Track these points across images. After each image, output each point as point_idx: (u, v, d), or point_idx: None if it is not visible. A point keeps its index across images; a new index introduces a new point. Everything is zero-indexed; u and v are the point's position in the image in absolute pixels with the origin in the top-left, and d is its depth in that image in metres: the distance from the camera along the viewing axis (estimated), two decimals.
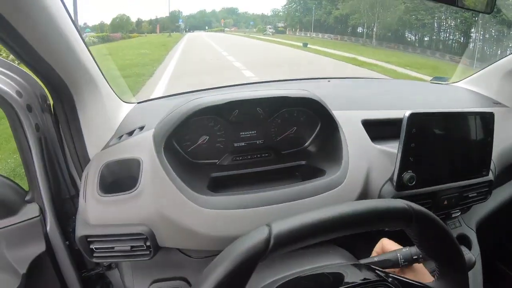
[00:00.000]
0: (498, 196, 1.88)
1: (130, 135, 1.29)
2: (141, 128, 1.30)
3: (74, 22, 1.07)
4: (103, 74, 1.34)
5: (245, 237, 0.62)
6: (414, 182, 1.23)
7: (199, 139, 1.32)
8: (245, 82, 1.86)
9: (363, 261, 0.91)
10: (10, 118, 1.16)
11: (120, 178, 1.15)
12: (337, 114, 1.36)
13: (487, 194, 1.48)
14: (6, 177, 1.27)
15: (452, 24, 37.05)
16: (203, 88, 1.77)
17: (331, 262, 0.94)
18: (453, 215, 1.48)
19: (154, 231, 1.06)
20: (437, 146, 1.28)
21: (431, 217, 0.73)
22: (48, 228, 1.24)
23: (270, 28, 70.33)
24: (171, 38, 47.84)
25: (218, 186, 1.25)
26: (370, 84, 2.30)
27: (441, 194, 1.33)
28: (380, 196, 1.26)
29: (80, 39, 1.13)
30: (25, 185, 1.29)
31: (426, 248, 0.78)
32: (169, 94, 1.82)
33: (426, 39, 40.12)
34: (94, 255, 1.08)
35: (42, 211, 1.24)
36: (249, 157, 1.36)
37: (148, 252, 1.09)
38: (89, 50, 1.20)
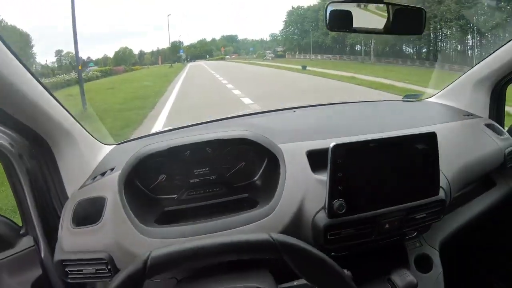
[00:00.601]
0: (468, 212, 1.86)
1: (102, 175, 1.48)
2: (112, 169, 1.48)
3: (40, 82, 1.26)
4: (80, 124, 1.55)
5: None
6: (344, 210, 1.25)
7: (158, 177, 1.51)
8: (214, 119, 2.00)
9: (283, 285, 1.05)
10: (5, 166, 1.36)
11: (91, 213, 1.34)
12: (284, 147, 1.50)
13: (439, 214, 1.46)
14: (2, 215, 1.46)
15: (448, 33, 37.05)
16: (177, 127, 1.94)
17: (247, 284, 0.98)
18: (407, 236, 1.52)
19: (113, 257, 1.25)
20: (369, 173, 1.31)
21: (299, 247, 0.86)
22: (42, 255, 1.42)
23: (269, 53, 70.46)
24: (172, 69, 47.97)
25: (174, 218, 1.41)
26: (340, 109, 2.40)
27: (381, 218, 1.34)
28: (313, 224, 1.31)
29: (51, 96, 1.32)
30: (18, 221, 1.49)
31: (307, 276, 0.89)
32: (164, 128, 2.04)
33: (423, 50, 40.10)
34: (68, 276, 1.28)
35: (36, 241, 1.44)
36: (201, 191, 1.53)
37: (110, 274, 1.27)
38: (62, 106, 1.41)
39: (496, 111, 2.17)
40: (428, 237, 1.69)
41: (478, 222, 1.88)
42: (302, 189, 1.37)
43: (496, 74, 2.03)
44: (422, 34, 1.31)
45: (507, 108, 2.19)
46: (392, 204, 1.35)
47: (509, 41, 1.85)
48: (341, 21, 1.23)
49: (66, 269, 1.28)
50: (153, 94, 17.32)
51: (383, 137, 1.35)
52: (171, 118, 10.66)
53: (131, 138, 1.92)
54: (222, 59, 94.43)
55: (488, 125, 2.00)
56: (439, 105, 2.30)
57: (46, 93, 1.30)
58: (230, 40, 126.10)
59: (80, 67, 18.39)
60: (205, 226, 1.27)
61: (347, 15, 1.21)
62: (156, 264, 0.82)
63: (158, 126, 9.30)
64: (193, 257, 0.84)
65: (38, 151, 1.39)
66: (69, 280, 1.29)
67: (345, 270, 0.93)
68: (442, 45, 38.43)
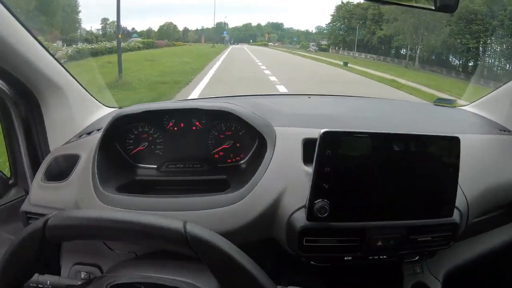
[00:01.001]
0: (486, 243, 1.61)
1: (88, 134, 1.47)
2: (99, 129, 1.43)
3: (39, 40, 1.31)
4: (78, 82, 1.57)
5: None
6: (326, 214, 1.05)
7: (140, 144, 1.44)
8: (228, 95, 1.91)
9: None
10: (2, 115, 1.43)
11: (63, 170, 1.33)
12: (280, 130, 1.35)
13: (449, 240, 1.23)
14: None
15: (498, 49, 36.14)
16: (188, 99, 1.88)
17: (178, 277, 0.91)
18: (406, 259, 1.33)
19: None
20: (364, 173, 1.10)
21: (216, 247, 0.70)
22: None
23: (313, 46, 70.12)
24: (214, 49, 48.60)
25: (140, 188, 1.32)
26: (361, 102, 2.21)
27: (372, 232, 1.14)
28: (288, 223, 1.14)
29: (48, 55, 1.37)
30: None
31: (219, 279, 0.73)
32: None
33: (470, 64, 39.26)
34: None
35: (26, 191, 1.45)
36: (181, 166, 1.43)
37: None
38: (61, 64, 1.46)
39: None
40: (432, 265, 1.51)
41: (497, 256, 1.63)
42: (285, 180, 1.21)
43: None
44: (453, 12, 1.13)
45: None
46: (390, 218, 1.14)
47: None
48: None
49: (30, 222, 1.27)
50: (191, 71, 17.45)
51: (389, 132, 1.10)
52: (203, 95, 10.59)
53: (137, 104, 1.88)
54: (265, 45, 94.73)
55: None
56: (473, 114, 2.00)
57: (44, 51, 1.35)
58: (275, 27, 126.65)
59: (120, 36, 18.67)
60: (165, 202, 1.18)
61: None
62: (54, 226, 0.73)
63: None
64: (92, 229, 0.75)
65: (28, 104, 1.43)
66: None
67: None
68: (490, 61, 37.54)
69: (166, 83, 12.72)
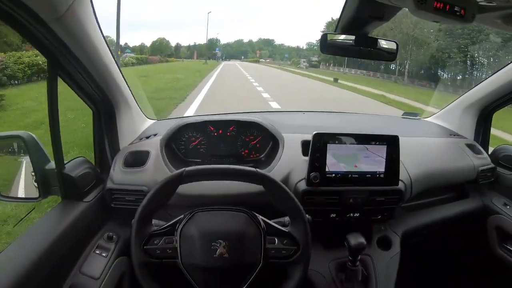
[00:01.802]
0: (436, 213, 2.23)
1: (147, 138, 2.02)
2: (155, 134, 2.02)
3: (115, 58, 1.71)
4: (133, 96, 2.03)
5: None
6: (318, 181, 1.75)
7: (189, 145, 2.04)
8: (238, 112, 2.50)
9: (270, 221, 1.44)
10: (96, 117, 1.84)
11: (137, 160, 1.85)
12: (286, 135, 2.00)
13: (397, 201, 1.87)
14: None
15: (485, 62, 36.42)
16: (207, 114, 2.41)
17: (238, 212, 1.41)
18: (372, 217, 1.91)
19: (150, 190, 1.66)
20: (340, 157, 1.78)
21: (274, 181, 1.37)
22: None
23: (304, 62, 70.05)
24: (206, 66, 48.48)
25: None
26: (342, 116, 2.88)
27: (347, 193, 1.79)
28: (295, 188, 1.80)
29: (119, 70, 1.77)
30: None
31: (278, 204, 1.38)
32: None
33: (459, 78, 39.42)
34: (113, 202, 1.76)
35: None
36: (220, 160, 2.04)
37: None
38: (124, 79, 1.86)
39: (482, 134, 2.52)
40: (393, 225, 2.07)
41: (443, 224, 2.25)
42: (292, 164, 1.87)
43: (482, 101, 2.38)
44: (392, 60, 1.66)
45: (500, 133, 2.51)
46: (357, 185, 1.81)
47: (495, 72, 2.21)
48: (328, 47, 1.62)
49: (113, 196, 1.76)
50: (185, 87, 17.63)
51: (355, 133, 1.79)
52: (199, 111, 10.96)
53: (169, 118, 2.42)
54: (257, 61, 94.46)
55: (469, 145, 2.37)
56: (432, 124, 2.72)
57: (120, 74, 1.78)
58: (266, 43, 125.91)
59: (119, 53, 18.79)
60: None
61: (335, 42, 1.61)
62: (188, 175, 1.35)
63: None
64: (210, 173, 1.40)
65: (110, 113, 1.89)
66: (112, 205, 1.76)
67: (307, 215, 1.39)
68: (478, 74, 37.85)
69: (162, 99, 12.77)
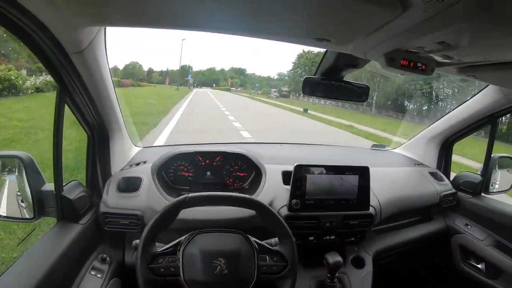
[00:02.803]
0: (404, 235, 2.44)
1: (137, 165, 2.14)
2: (145, 162, 2.15)
3: (115, 92, 1.84)
4: (125, 124, 2.14)
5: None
6: (299, 207, 1.95)
7: (178, 173, 2.16)
8: (220, 142, 2.70)
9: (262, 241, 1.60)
10: (91, 142, 1.92)
11: (130, 186, 1.96)
12: (268, 166, 2.18)
13: (369, 224, 2.09)
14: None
15: (450, 93, 37.14)
16: (191, 143, 2.59)
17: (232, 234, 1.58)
18: (346, 239, 2.11)
19: (144, 215, 1.83)
20: (319, 186, 1.98)
21: (265, 206, 1.54)
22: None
23: (274, 92, 70.44)
24: (178, 92, 48.10)
25: None
26: (317, 148, 3.11)
27: (324, 218, 2.00)
28: (278, 214, 1.79)
29: (117, 100, 1.89)
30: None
31: (269, 226, 1.56)
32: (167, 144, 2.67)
33: (424, 108, 40.00)
34: (107, 225, 1.86)
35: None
36: (207, 187, 2.18)
37: (138, 228, 1.86)
38: (119, 107, 1.97)
39: (444, 163, 2.78)
40: (365, 246, 2.27)
41: (411, 245, 2.45)
42: (274, 193, 2.05)
43: (444, 134, 2.66)
44: (364, 101, 1.88)
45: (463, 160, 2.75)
46: (333, 210, 2.03)
47: (455, 108, 2.48)
48: (310, 88, 1.82)
49: (107, 220, 1.86)
50: (156, 113, 17.52)
51: (331, 164, 1.99)
52: (171, 139, 11.04)
53: (154, 145, 2.55)
54: (228, 90, 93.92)
55: (432, 173, 2.63)
56: (398, 154, 2.99)
57: (117, 103, 1.90)
58: (238, 72, 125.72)
59: None
60: None
61: (316, 85, 1.81)
62: (190, 200, 1.50)
63: (158, 143, 9.55)
64: (211, 199, 1.55)
65: (104, 137, 1.98)
66: (106, 228, 1.86)
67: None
68: (443, 104, 38.55)
69: (134, 124, 12.64)
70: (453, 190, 2.60)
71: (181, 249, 1.47)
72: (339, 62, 1.65)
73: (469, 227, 2.48)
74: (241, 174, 2.24)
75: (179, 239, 1.52)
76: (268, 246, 1.55)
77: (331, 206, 2.02)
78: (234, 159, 2.22)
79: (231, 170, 2.24)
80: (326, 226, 2.02)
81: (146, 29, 1.39)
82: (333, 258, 1.77)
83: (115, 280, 1.78)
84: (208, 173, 2.20)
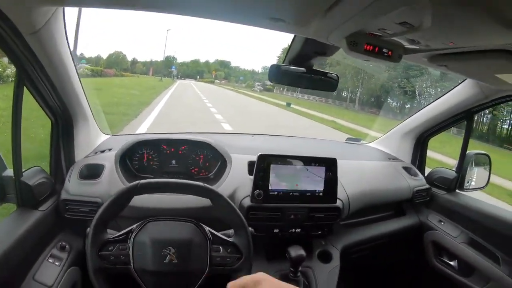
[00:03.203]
0: (375, 230, 2.40)
1: (102, 152, 2.09)
2: (110, 149, 2.10)
3: (77, 71, 1.78)
4: (91, 111, 2.09)
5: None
6: (261, 197, 1.90)
7: (143, 161, 2.11)
8: (191, 132, 2.63)
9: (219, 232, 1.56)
10: (55, 128, 1.87)
11: (92, 173, 1.91)
12: (234, 156, 2.14)
13: (336, 218, 2.05)
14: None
15: (433, 92, 37.55)
16: (161, 133, 2.50)
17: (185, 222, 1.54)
18: (312, 233, 2.07)
19: (103, 202, 1.68)
20: (283, 177, 1.94)
21: (220, 195, 1.49)
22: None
23: (258, 85, 70.42)
24: (161, 83, 47.66)
25: None
26: (290, 140, 3.11)
27: (288, 210, 1.95)
28: (240, 205, 1.92)
29: (80, 84, 1.83)
30: None
31: (223, 216, 1.51)
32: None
33: (407, 106, 40.43)
34: (67, 212, 1.80)
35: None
36: (171, 176, 2.08)
37: None
38: (84, 93, 1.93)
39: (419, 158, 2.75)
40: (333, 240, 2.21)
41: (382, 240, 2.42)
42: (238, 182, 2.01)
43: (419, 129, 2.64)
44: (333, 91, 1.81)
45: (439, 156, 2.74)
46: (297, 203, 1.98)
47: (431, 103, 2.46)
48: (276, 76, 1.70)
49: (67, 207, 1.80)
50: (138, 104, 17.31)
51: (298, 155, 1.95)
52: (152, 130, 10.74)
53: (123, 133, 2.50)
54: (212, 82, 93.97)
55: (406, 168, 2.61)
56: (372, 148, 2.97)
57: (81, 87, 1.85)
58: (223, 65, 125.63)
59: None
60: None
61: (283, 73, 1.71)
62: (142, 187, 1.45)
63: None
64: (163, 186, 1.51)
65: (68, 125, 1.93)
66: (66, 215, 1.80)
67: (250, 228, 1.53)
68: (425, 103, 38.84)
69: (114, 114, 12.32)
70: (427, 186, 2.58)
71: (132, 236, 1.43)
72: (307, 49, 1.57)
73: (443, 223, 2.46)
74: (207, 164, 2.20)
75: (131, 227, 1.47)
76: (222, 236, 1.51)
77: (295, 198, 1.97)
78: (200, 148, 2.17)
79: (197, 159, 2.19)
80: (291, 219, 1.97)
81: (103, 10, 1.33)
82: (296, 251, 1.72)
83: (74, 268, 1.73)
84: (173, 161, 2.15)
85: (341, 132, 16.50)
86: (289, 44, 1.64)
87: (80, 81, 1.83)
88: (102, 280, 1.36)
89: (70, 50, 1.60)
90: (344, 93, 47.07)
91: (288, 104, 33.22)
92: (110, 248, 1.40)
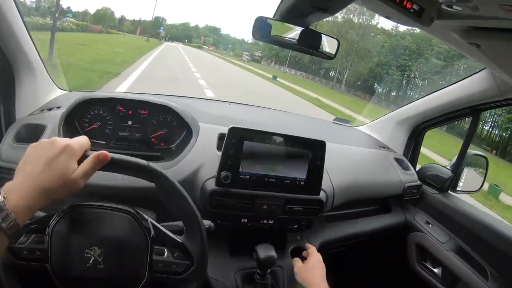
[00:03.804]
0: (357, 226, 2.12)
1: (49, 110, 1.74)
2: (58, 107, 1.75)
3: (23, 18, 1.51)
4: (43, 64, 1.81)
5: None
6: (228, 181, 1.50)
7: (94, 123, 1.72)
8: (163, 94, 2.24)
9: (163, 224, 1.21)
10: None
11: (31, 135, 1.58)
12: (203, 125, 1.78)
13: (317, 212, 1.69)
14: None
15: (420, 84, 38.07)
16: (129, 92, 2.14)
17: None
18: (288, 226, 1.75)
19: None
20: (257, 157, 1.55)
21: (167, 178, 1.10)
22: None
23: (246, 55, 71.02)
24: (148, 43, 47.32)
25: None
26: (273, 113, 2.70)
27: (260, 198, 1.58)
28: (202, 187, 1.55)
29: (26, 31, 1.56)
30: None
31: (170, 207, 1.12)
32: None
33: (393, 93, 40.99)
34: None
35: None
36: (126, 144, 1.77)
37: None
38: (34, 44, 1.66)
39: (412, 150, 2.47)
40: (310, 235, 1.90)
41: (363, 237, 2.14)
42: (202, 158, 1.62)
43: (416, 118, 2.34)
44: (332, 59, 1.47)
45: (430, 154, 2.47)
46: (273, 191, 1.59)
47: (431, 93, 2.18)
48: (262, 32, 1.36)
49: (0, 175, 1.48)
50: (121, 63, 17.06)
51: (279, 133, 1.58)
52: (131, 90, 10.44)
53: (84, 90, 2.13)
54: (200, 47, 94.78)
55: (397, 159, 2.31)
56: (362, 133, 2.65)
57: (25, 29, 1.56)
58: (213, 31, 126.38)
59: (57, 15, 17.93)
60: None
61: (271, 29, 1.37)
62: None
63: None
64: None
65: (7, 76, 1.64)
66: None
67: (209, 222, 1.18)
68: (411, 93, 39.42)
69: (95, 71, 12.26)
70: (419, 182, 2.30)
71: (51, 226, 1.04)
72: (303, 2, 1.21)
73: (430, 226, 2.23)
74: (170, 132, 1.83)
75: (52, 212, 1.08)
76: (169, 234, 1.12)
77: (271, 185, 1.59)
78: (162, 112, 1.81)
79: (158, 126, 1.82)
80: (263, 209, 1.60)
81: None
82: (265, 252, 1.45)
83: None
84: (130, 126, 1.79)
85: (326, 112, 16.42)
86: None
87: (27, 27, 1.56)
88: (14, 279, 1.04)
89: None
90: (332, 73, 47.47)
91: (275, 77, 33.15)
92: (23, 240, 1.04)
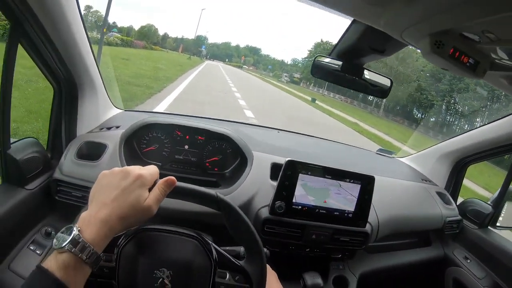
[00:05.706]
0: (397, 258, 2.16)
1: (108, 129, 1.84)
2: (117, 127, 1.85)
3: (89, 40, 1.59)
4: (102, 80, 1.88)
5: None
6: (282, 211, 1.61)
7: (151, 145, 1.83)
8: (212, 117, 2.39)
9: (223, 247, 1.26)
10: (57, 95, 1.69)
11: (92, 153, 1.66)
12: (256, 154, 1.87)
13: (362, 243, 1.78)
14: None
15: (460, 110, 37.18)
16: (179, 114, 2.27)
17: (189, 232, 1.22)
18: (333, 255, 1.84)
19: None
20: (310, 189, 1.66)
21: (234, 208, 1.17)
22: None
23: (285, 76, 70.95)
24: (190, 61, 48.00)
25: None
26: (318, 142, 2.76)
27: (310, 228, 1.68)
28: (256, 215, 1.66)
29: (90, 50, 1.63)
30: None
31: (234, 234, 1.19)
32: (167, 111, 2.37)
33: (432, 119, 40.13)
34: (58, 194, 1.56)
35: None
36: (182, 167, 1.86)
37: None
38: (97, 65, 1.74)
39: (454, 184, 2.47)
40: (351, 265, 1.98)
41: (402, 269, 2.17)
42: (257, 187, 1.72)
43: (459, 153, 2.35)
44: (385, 98, 1.54)
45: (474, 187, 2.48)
46: (323, 221, 1.70)
47: (475, 128, 2.19)
48: (320, 70, 1.49)
49: (59, 188, 1.56)
50: (164, 79, 17.31)
51: (331, 166, 1.66)
52: (173, 106, 10.75)
53: (138, 109, 2.24)
54: (240, 67, 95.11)
55: (439, 193, 2.32)
56: (405, 165, 2.66)
57: (90, 50, 1.63)
58: (253, 51, 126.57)
59: (104, 30, 18.36)
60: None
61: (328, 68, 1.47)
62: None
63: (158, 109, 9.35)
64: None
65: (72, 94, 1.72)
66: (57, 197, 1.56)
67: (265, 249, 1.21)
68: (451, 119, 38.53)
69: (138, 86, 12.45)
70: (459, 217, 2.30)
71: (120, 246, 1.11)
72: (362, 43, 1.29)
73: (469, 261, 2.21)
74: (224, 158, 1.93)
75: (121, 232, 1.14)
76: (231, 258, 1.19)
77: (321, 216, 1.69)
78: (218, 139, 1.90)
79: (213, 152, 1.92)
80: (312, 239, 1.70)
81: None
82: (312, 279, 1.53)
83: None
84: (186, 151, 1.89)
85: (365, 138, 16.26)
86: (342, 35, 1.35)
87: (91, 47, 1.63)
88: None
89: (78, 6, 1.40)
90: (370, 97, 46.88)
91: (313, 100, 33.09)
92: None
